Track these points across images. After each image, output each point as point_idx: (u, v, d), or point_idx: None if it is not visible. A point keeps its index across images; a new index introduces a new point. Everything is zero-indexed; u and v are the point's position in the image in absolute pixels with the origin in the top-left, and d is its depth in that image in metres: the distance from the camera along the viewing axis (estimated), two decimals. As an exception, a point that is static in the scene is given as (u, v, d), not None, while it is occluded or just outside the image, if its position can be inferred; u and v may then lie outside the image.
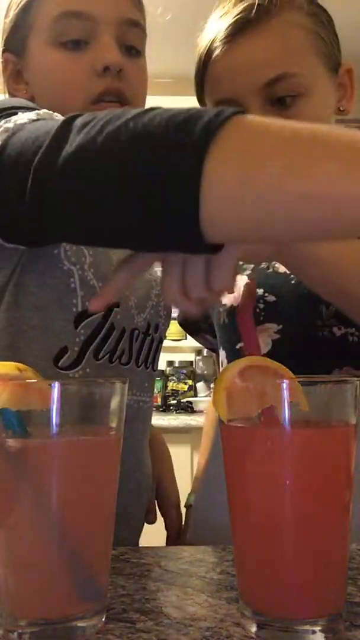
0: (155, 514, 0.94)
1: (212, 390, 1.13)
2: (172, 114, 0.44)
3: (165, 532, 0.93)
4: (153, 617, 0.45)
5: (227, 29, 0.77)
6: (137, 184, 0.44)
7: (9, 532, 0.42)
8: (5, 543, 0.42)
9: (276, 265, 0.85)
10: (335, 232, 0.45)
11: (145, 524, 0.87)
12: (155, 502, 0.93)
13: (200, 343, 1.08)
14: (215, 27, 0.79)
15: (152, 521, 0.91)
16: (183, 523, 0.94)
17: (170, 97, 2.76)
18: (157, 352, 0.83)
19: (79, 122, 0.48)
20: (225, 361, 0.89)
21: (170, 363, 3.27)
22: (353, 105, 0.84)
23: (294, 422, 0.42)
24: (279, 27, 0.77)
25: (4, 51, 0.79)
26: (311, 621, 0.41)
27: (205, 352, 3.11)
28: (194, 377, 3.27)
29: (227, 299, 0.88)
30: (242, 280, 0.87)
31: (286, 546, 0.42)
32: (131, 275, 0.54)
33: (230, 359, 0.87)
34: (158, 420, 2.61)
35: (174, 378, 3.23)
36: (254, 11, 0.76)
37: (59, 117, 0.55)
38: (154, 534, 0.92)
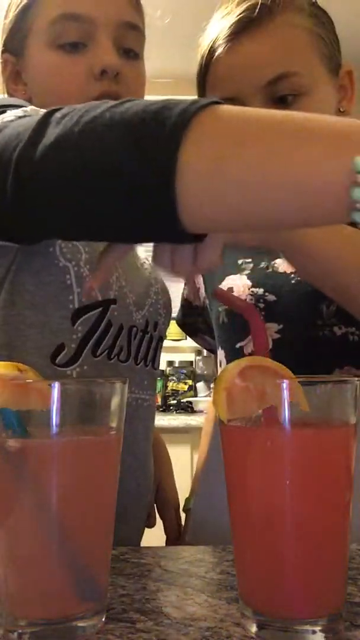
0: (155, 518, 0.94)
1: (212, 390, 1.13)
2: (149, 103, 0.45)
3: (165, 533, 0.93)
4: (153, 617, 0.45)
5: (229, 27, 0.77)
6: (113, 175, 0.44)
7: (9, 532, 0.42)
8: (6, 543, 0.42)
9: (276, 264, 0.85)
10: (315, 218, 0.44)
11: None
12: (154, 505, 0.93)
13: (198, 344, 1.08)
14: (218, 27, 0.79)
15: (152, 525, 0.91)
16: (182, 526, 0.94)
17: (170, 97, 2.77)
18: (157, 350, 0.83)
19: (57, 114, 0.48)
20: (224, 361, 0.89)
21: (170, 363, 3.27)
22: (353, 106, 0.85)
23: (294, 422, 0.42)
24: (281, 27, 0.77)
25: (3, 52, 0.79)
26: (311, 621, 0.41)
27: (205, 352, 3.11)
28: (194, 377, 3.27)
29: None
30: (241, 280, 0.87)
31: (286, 546, 0.42)
32: (117, 258, 0.54)
33: (230, 358, 0.87)
34: (158, 420, 2.59)
35: (174, 378, 3.23)
36: (256, 10, 0.76)
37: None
38: (154, 534, 0.92)
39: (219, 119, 0.44)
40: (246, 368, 0.44)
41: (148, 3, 0.81)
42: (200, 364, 3.30)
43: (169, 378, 3.23)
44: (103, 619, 0.44)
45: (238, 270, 0.89)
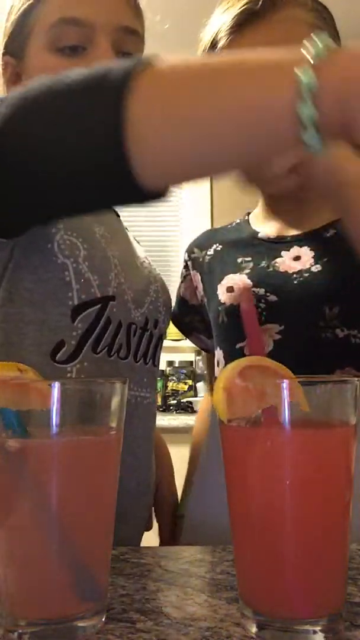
0: (152, 520, 0.93)
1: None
2: (98, 67, 0.46)
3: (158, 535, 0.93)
4: (153, 617, 0.45)
5: (232, 19, 0.77)
6: (64, 136, 0.45)
7: (9, 532, 0.42)
8: (5, 543, 0.42)
9: (276, 264, 0.85)
10: (268, 143, 0.44)
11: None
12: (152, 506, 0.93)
13: (194, 343, 1.07)
14: (220, 19, 0.79)
15: (149, 528, 0.91)
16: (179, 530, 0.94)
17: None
18: (157, 348, 0.83)
19: (16, 90, 0.49)
20: (222, 360, 0.89)
21: (170, 363, 3.27)
22: None
23: (294, 422, 0.42)
24: (284, 21, 0.77)
25: (4, 54, 0.80)
26: (311, 621, 0.41)
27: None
28: (194, 377, 3.26)
29: (227, 298, 0.88)
30: (241, 280, 0.86)
31: (286, 546, 0.42)
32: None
33: (230, 358, 0.86)
34: (158, 420, 2.59)
35: (174, 378, 3.23)
36: (259, 3, 0.76)
37: None
38: (154, 534, 0.93)
39: (161, 68, 0.45)
40: (246, 368, 0.44)
41: (147, 8, 0.82)
42: (200, 364, 3.29)
43: (169, 378, 3.23)
44: (103, 619, 0.44)
45: (238, 269, 0.88)
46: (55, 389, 0.42)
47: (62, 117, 0.46)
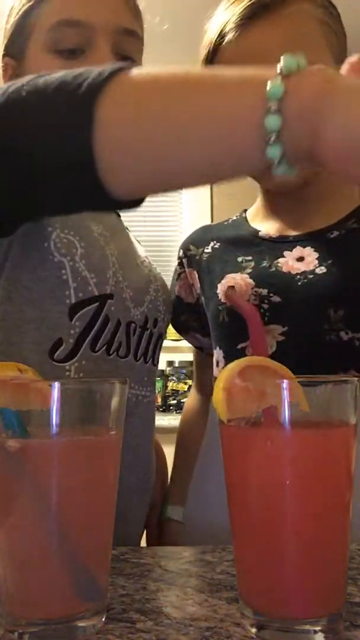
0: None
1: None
2: (72, 70, 0.46)
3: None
4: (153, 617, 0.45)
5: (241, 12, 0.77)
6: (38, 135, 0.45)
7: (9, 532, 0.42)
8: (5, 543, 0.42)
9: (279, 264, 0.84)
10: (233, 160, 0.44)
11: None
12: None
13: (189, 342, 1.06)
14: (229, 11, 0.79)
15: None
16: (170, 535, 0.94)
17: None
18: (156, 346, 0.84)
19: (2, 87, 0.49)
20: (222, 361, 0.88)
21: (170, 363, 3.26)
22: None
23: (294, 422, 0.42)
24: (295, 15, 0.77)
25: (4, 55, 0.80)
26: (311, 621, 0.41)
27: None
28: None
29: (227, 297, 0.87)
30: (243, 279, 0.86)
31: (286, 546, 0.42)
32: None
33: (231, 358, 0.86)
34: (158, 420, 2.59)
35: (174, 378, 3.23)
36: None
37: None
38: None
39: (133, 75, 0.45)
40: (246, 368, 0.44)
41: (146, 10, 0.82)
42: (200, 364, 3.29)
43: (169, 378, 3.23)
44: (103, 619, 0.44)
45: (238, 268, 0.87)
46: (55, 389, 0.42)
47: (38, 116, 0.46)
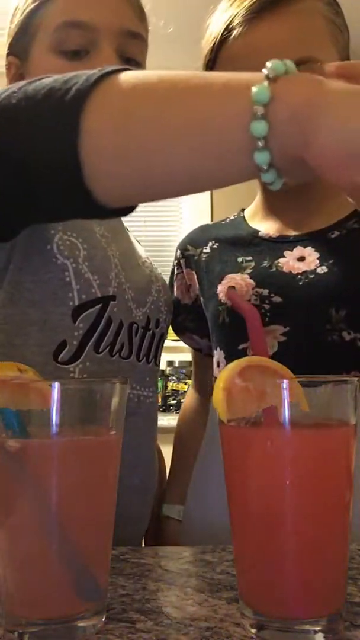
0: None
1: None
2: (62, 75, 0.46)
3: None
4: (153, 617, 0.45)
5: (250, 6, 0.77)
6: (28, 142, 0.45)
7: (9, 532, 0.42)
8: (5, 543, 0.42)
9: (279, 264, 0.84)
10: (220, 166, 0.44)
11: None
12: None
13: (186, 343, 1.05)
14: (235, 7, 0.79)
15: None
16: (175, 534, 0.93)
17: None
18: (158, 347, 0.84)
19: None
20: (223, 362, 0.88)
21: (170, 363, 3.26)
22: None
23: (294, 422, 0.42)
24: (302, 12, 0.77)
25: (8, 54, 0.80)
26: (311, 621, 0.41)
27: (205, 352, 3.10)
28: (194, 377, 3.26)
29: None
30: (243, 280, 0.85)
31: (286, 546, 0.42)
32: None
33: (232, 359, 0.86)
34: (158, 420, 2.59)
35: (174, 378, 3.23)
36: None
37: None
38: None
39: (120, 81, 0.44)
40: (246, 368, 0.44)
41: (152, 13, 0.82)
42: (201, 364, 3.29)
43: (169, 378, 3.23)
44: (103, 619, 0.44)
45: (238, 268, 0.87)
46: (55, 389, 0.42)
47: (27, 123, 0.46)
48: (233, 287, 0.86)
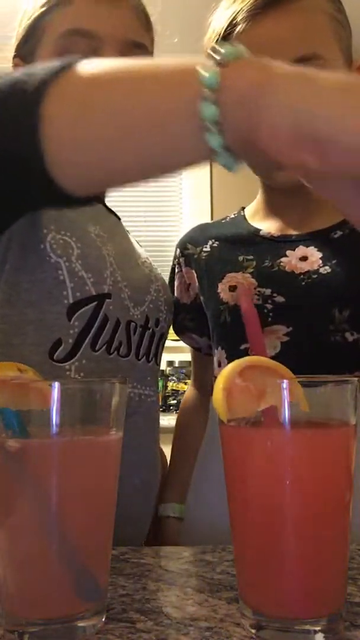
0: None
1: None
2: (30, 67, 0.47)
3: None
4: (153, 617, 0.45)
5: (252, 4, 0.77)
6: None
7: (9, 532, 0.42)
8: (5, 543, 0.42)
9: (282, 263, 0.84)
10: (174, 150, 0.44)
11: None
12: None
13: (185, 342, 1.05)
14: (237, 4, 0.79)
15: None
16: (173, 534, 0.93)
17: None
18: (159, 346, 0.84)
19: None
20: (224, 361, 0.88)
21: (170, 363, 3.26)
22: None
23: (294, 422, 0.42)
24: (305, 9, 0.77)
25: (15, 56, 0.82)
26: (311, 621, 0.41)
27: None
28: (194, 377, 3.26)
29: (230, 297, 0.87)
30: (245, 279, 0.85)
31: (286, 546, 0.42)
32: None
33: (234, 359, 0.85)
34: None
35: (174, 378, 3.22)
36: None
37: None
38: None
39: (80, 70, 0.45)
40: (246, 368, 0.44)
41: (158, 21, 0.83)
42: (201, 364, 3.29)
43: (169, 378, 3.22)
44: (103, 619, 0.44)
45: (239, 267, 0.87)
46: (55, 389, 0.42)
47: None
48: (234, 286, 0.85)
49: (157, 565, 0.56)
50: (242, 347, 0.83)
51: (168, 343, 0.91)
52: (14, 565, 0.42)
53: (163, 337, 0.85)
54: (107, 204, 0.90)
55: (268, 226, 0.91)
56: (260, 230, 0.91)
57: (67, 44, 0.74)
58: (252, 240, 0.90)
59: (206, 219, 2.99)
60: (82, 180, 0.47)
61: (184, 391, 3.20)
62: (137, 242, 0.92)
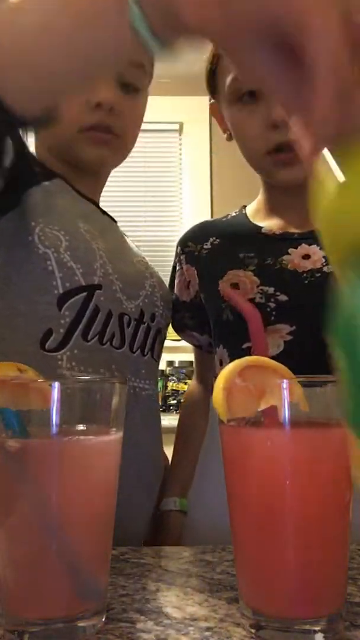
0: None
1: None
2: None
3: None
4: (153, 617, 0.45)
5: None
6: None
7: (9, 532, 0.42)
8: (5, 543, 0.42)
9: (284, 261, 0.83)
10: (103, 27, 0.45)
11: None
12: None
13: (186, 340, 1.05)
14: None
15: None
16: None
17: (170, 97, 2.76)
18: (155, 340, 0.84)
19: None
20: (226, 360, 0.87)
21: (170, 363, 3.26)
22: None
23: (294, 422, 0.42)
24: None
25: None
26: (311, 621, 0.41)
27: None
28: (194, 377, 3.26)
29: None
30: (247, 277, 0.85)
31: (286, 546, 0.42)
32: None
33: (235, 358, 0.85)
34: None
35: (174, 378, 3.23)
36: None
37: None
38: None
39: None
40: (246, 368, 0.44)
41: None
42: (201, 364, 3.29)
43: (169, 378, 3.23)
44: (103, 619, 0.44)
45: (240, 264, 0.86)
46: (55, 389, 0.42)
47: None
48: (236, 284, 0.85)
49: (157, 565, 0.56)
50: (244, 346, 0.82)
51: (168, 343, 0.91)
52: (14, 565, 0.42)
53: (160, 332, 0.86)
54: (108, 204, 0.91)
55: (270, 224, 0.90)
56: (262, 227, 0.90)
57: None
58: (254, 237, 0.90)
59: (206, 218, 2.99)
60: (26, 97, 0.47)
61: (184, 391, 3.20)
62: (136, 246, 0.93)
